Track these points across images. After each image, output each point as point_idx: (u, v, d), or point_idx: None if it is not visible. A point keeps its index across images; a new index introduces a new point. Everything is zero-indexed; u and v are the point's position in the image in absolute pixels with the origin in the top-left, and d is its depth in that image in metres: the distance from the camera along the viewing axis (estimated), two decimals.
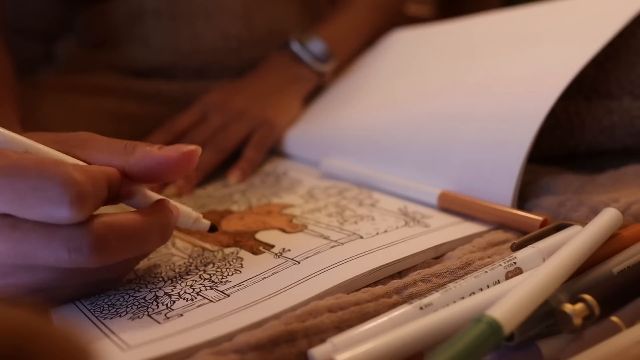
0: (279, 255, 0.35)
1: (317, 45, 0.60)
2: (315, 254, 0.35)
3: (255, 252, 0.36)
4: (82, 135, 0.33)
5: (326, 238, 0.37)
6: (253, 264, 0.35)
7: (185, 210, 0.34)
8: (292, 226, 0.39)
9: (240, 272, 0.34)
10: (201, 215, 0.35)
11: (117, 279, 0.34)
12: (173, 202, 0.33)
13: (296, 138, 0.56)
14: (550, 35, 0.47)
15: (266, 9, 0.64)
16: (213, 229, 0.36)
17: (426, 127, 0.46)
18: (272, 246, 0.37)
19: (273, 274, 0.33)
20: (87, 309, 0.32)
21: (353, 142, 0.50)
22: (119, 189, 0.31)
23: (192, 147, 0.32)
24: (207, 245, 0.38)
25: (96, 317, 0.31)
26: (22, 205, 0.27)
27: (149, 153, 0.31)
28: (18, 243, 0.27)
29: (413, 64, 0.56)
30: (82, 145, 0.32)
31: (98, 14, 0.61)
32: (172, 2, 0.60)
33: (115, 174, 0.31)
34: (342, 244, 0.36)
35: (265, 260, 0.35)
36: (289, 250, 0.36)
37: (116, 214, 0.29)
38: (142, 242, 0.30)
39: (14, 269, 0.29)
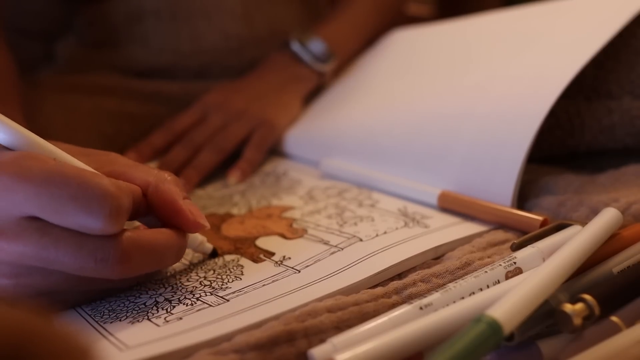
0: (279, 263, 0.35)
1: (317, 45, 0.60)
2: (315, 262, 0.35)
3: (256, 260, 0.36)
4: (111, 155, 0.34)
5: (326, 243, 0.37)
6: (253, 271, 0.35)
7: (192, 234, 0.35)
8: (292, 231, 0.39)
9: (241, 279, 0.34)
10: (205, 239, 0.37)
11: (123, 287, 0.34)
12: None
13: (296, 138, 0.56)
14: (550, 35, 0.47)
15: (266, 9, 0.64)
16: (214, 254, 0.37)
17: (426, 127, 0.46)
18: (273, 254, 0.37)
19: (273, 281, 0.33)
20: (88, 314, 0.32)
21: (353, 142, 0.50)
22: (139, 207, 0.32)
23: (207, 224, 0.33)
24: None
25: (96, 322, 0.31)
26: (57, 212, 0.27)
27: (173, 195, 0.32)
28: (45, 248, 0.28)
29: (413, 63, 0.56)
30: (110, 161, 0.33)
31: (98, 14, 0.61)
32: (172, 2, 0.60)
33: (138, 191, 0.32)
34: (342, 249, 0.36)
35: (266, 268, 0.35)
36: (289, 258, 0.36)
37: (141, 230, 0.30)
38: (161, 259, 0.31)
39: (29, 270, 0.29)
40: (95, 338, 0.29)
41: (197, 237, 0.36)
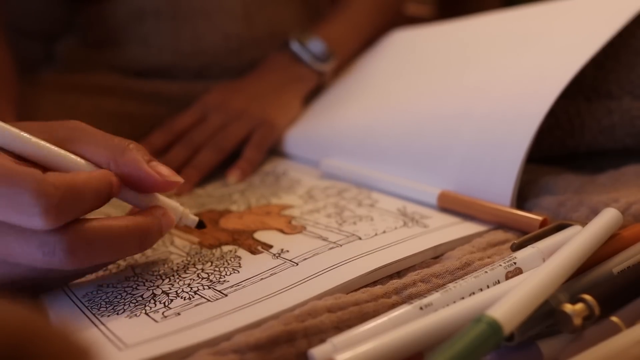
0: (277, 255, 0.35)
1: (317, 45, 0.60)
2: (313, 255, 0.35)
3: (254, 251, 0.36)
4: (70, 124, 0.33)
5: (325, 239, 0.37)
6: (251, 263, 0.35)
7: (173, 205, 0.34)
8: (291, 227, 0.39)
9: (238, 271, 0.34)
10: (188, 211, 0.35)
11: (92, 272, 0.34)
12: (162, 201, 0.33)
13: (296, 138, 0.56)
14: (549, 35, 0.47)
15: (266, 9, 0.64)
16: (201, 225, 0.36)
17: (426, 127, 0.46)
18: (271, 246, 0.37)
19: (271, 275, 0.33)
20: (85, 305, 0.32)
21: (353, 142, 0.50)
22: (112, 190, 0.31)
23: (179, 179, 0.32)
24: (206, 243, 0.38)
25: (93, 315, 0.31)
26: None
27: (136, 163, 0.31)
28: None
29: (413, 64, 0.56)
30: (69, 137, 0.32)
31: (98, 14, 0.61)
32: (172, 3, 0.60)
33: (104, 177, 0.30)
34: (341, 245, 0.36)
35: (264, 260, 0.35)
36: (288, 251, 0.36)
37: (94, 220, 0.30)
38: (120, 247, 0.31)
39: None
40: (94, 335, 0.29)
41: (178, 210, 0.35)
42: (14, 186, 0.27)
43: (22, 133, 0.30)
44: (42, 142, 0.30)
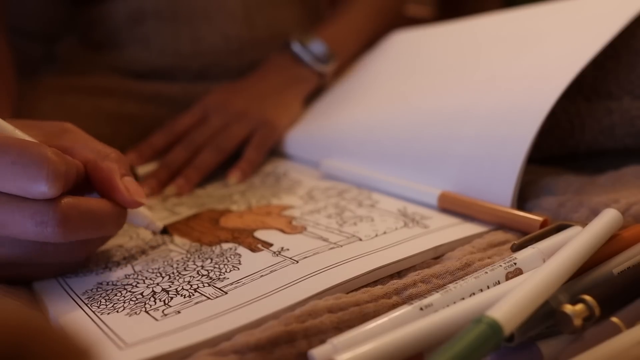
0: (277, 253, 0.35)
1: (317, 46, 0.60)
2: (314, 254, 0.35)
3: (254, 249, 0.36)
4: (63, 124, 0.35)
5: (325, 240, 0.37)
6: (251, 261, 0.35)
7: (141, 211, 0.37)
8: (292, 227, 0.39)
9: (238, 269, 0.34)
10: (154, 217, 0.38)
11: (77, 262, 0.36)
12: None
13: (296, 139, 0.56)
14: (550, 36, 0.47)
15: (267, 10, 0.64)
16: (165, 231, 0.38)
17: (426, 127, 0.46)
18: (271, 244, 0.37)
19: (271, 272, 0.33)
20: (84, 302, 0.32)
21: (353, 143, 0.50)
22: (81, 180, 0.33)
23: (143, 200, 0.34)
24: (206, 241, 0.38)
25: (93, 312, 0.31)
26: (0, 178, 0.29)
27: (110, 173, 0.33)
28: None
29: (413, 65, 0.56)
30: (57, 134, 0.34)
31: (99, 15, 0.61)
32: (172, 4, 0.60)
33: (80, 167, 0.33)
34: (341, 246, 0.36)
35: (264, 258, 0.35)
36: (288, 249, 0.36)
37: (80, 197, 0.32)
38: (101, 224, 0.32)
39: None
40: (94, 334, 0.29)
41: (147, 217, 0.37)
42: (25, 152, 0.29)
43: (8, 125, 0.32)
44: (17, 131, 0.32)
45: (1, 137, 0.30)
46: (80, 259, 0.35)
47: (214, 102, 0.57)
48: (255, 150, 0.54)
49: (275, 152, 0.57)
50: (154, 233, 0.39)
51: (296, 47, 0.61)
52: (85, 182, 0.34)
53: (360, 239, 0.36)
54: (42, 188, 0.29)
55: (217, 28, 0.61)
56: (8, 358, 0.16)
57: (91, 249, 0.35)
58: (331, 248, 0.35)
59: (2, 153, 0.29)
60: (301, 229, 0.39)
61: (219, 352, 0.26)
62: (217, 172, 0.52)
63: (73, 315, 0.31)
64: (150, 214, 0.38)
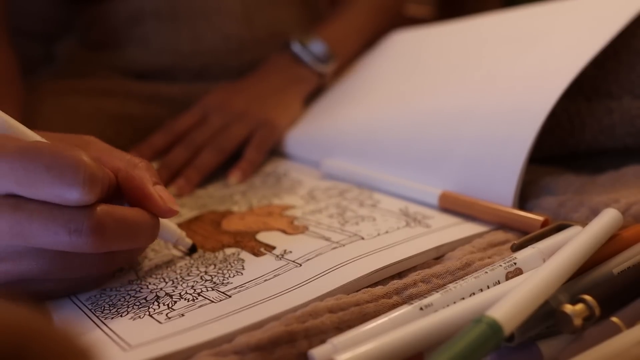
0: (280, 257, 0.35)
1: (317, 46, 0.61)
2: (316, 255, 0.35)
3: (257, 253, 0.36)
4: (85, 138, 0.34)
5: (327, 239, 0.37)
6: (254, 265, 0.35)
7: (172, 226, 0.36)
8: (293, 227, 0.39)
9: (242, 273, 0.34)
10: (184, 234, 0.37)
11: (99, 279, 0.34)
12: (162, 221, 0.34)
13: (297, 138, 0.56)
14: (550, 36, 0.47)
15: (266, 10, 0.64)
16: (193, 249, 0.37)
17: (427, 127, 0.46)
18: (274, 247, 0.37)
19: (275, 276, 0.33)
20: (88, 308, 0.32)
21: (354, 142, 0.50)
22: (112, 192, 0.32)
23: (177, 208, 0.33)
24: (208, 246, 0.38)
25: (97, 317, 0.31)
26: (32, 184, 0.27)
27: (143, 180, 0.32)
28: (19, 222, 0.28)
29: (413, 64, 0.56)
30: (83, 147, 0.32)
31: (98, 15, 0.61)
32: (172, 4, 0.60)
33: (112, 176, 0.32)
34: (344, 245, 0.36)
35: (267, 262, 0.35)
36: (291, 252, 0.36)
37: (115, 205, 0.30)
38: (135, 235, 0.31)
39: (6, 252, 0.29)
40: (97, 336, 0.29)
41: (176, 232, 0.36)
42: (59, 155, 0.27)
43: (40, 137, 0.31)
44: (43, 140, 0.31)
45: (32, 142, 0.29)
46: (103, 275, 0.34)
47: (214, 102, 0.57)
48: (255, 150, 0.54)
49: (276, 152, 0.57)
50: (181, 250, 0.38)
51: (296, 47, 0.61)
52: (115, 192, 0.32)
53: (363, 238, 0.36)
54: (78, 194, 0.27)
55: (216, 28, 0.61)
56: (9, 358, 0.16)
57: (117, 264, 0.33)
58: (334, 248, 0.35)
59: (35, 157, 0.27)
60: (303, 229, 0.39)
61: (220, 353, 0.26)
62: (218, 173, 0.52)
63: (77, 321, 0.31)
64: (180, 230, 0.37)
